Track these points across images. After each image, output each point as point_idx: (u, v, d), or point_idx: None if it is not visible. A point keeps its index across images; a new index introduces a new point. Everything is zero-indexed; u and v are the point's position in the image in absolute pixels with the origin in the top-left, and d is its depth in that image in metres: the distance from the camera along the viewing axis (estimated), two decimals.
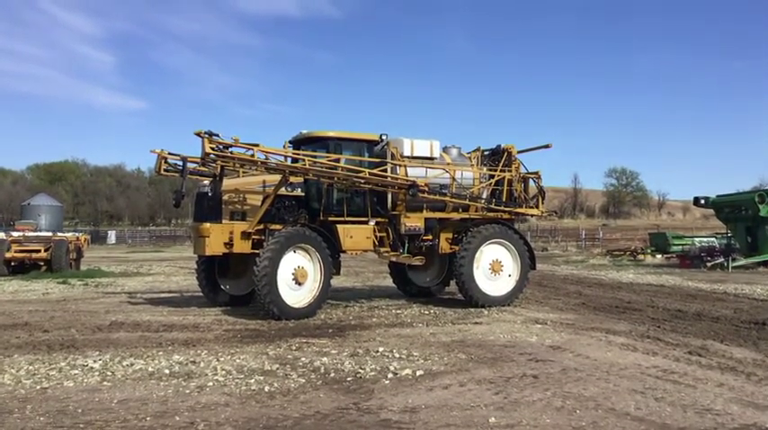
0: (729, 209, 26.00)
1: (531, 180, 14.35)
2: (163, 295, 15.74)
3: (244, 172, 12.74)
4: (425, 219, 13.02)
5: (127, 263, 30.47)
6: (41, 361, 7.75)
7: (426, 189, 12.41)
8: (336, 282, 14.05)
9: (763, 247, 23.95)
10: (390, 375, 7.01)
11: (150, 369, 7.31)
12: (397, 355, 8.04)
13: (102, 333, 9.95)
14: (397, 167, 12.59)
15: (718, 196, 26.55)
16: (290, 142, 12.96)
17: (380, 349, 8.41)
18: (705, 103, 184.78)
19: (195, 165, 12.11)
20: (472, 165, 13.87)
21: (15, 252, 21.72)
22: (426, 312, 12.32)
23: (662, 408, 5.74)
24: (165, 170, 12.90)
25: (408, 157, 12.83)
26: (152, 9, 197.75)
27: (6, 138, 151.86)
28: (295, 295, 11.46)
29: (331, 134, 12.50)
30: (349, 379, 6.89)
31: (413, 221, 12.83)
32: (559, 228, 60.08)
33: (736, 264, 23.76)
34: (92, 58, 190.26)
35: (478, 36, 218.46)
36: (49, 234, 23.79)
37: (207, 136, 10.93)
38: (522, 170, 14.18)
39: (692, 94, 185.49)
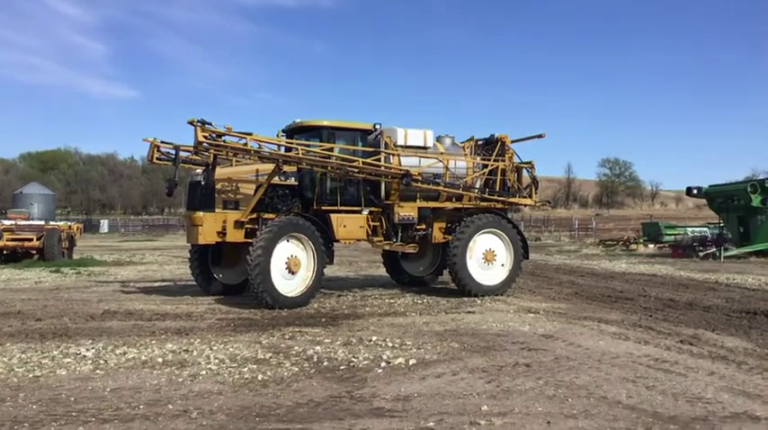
0: (722, 199, 26.11)
1: (524, 170, 14.34)
2: (156, 284, 15.70)
3: (237, 161, 12.69)
4: (419, 208, 13.02)
5: (119, 252, 30.36)
6: (34, 349, 7.73)
7: (420, 178, 12.40)
8: (329, 271, 14.05)
9: (755, 237, 24.07)
10: (383, 364, 7.02)
11: (143, 357, 7.30)
12: (390, 344, 8.06)
13: (94, 322, 9.93)
14: (391, 157, 12.56)
15: (710, 186, 26.64)
16: (283, 131, 12.88)
17: (373, 338, 8.42)
18: (698, 94, 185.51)
19: (188, 153, 12.07)
20: (466, 154, 13.86)
21: (7, 240, 21.62)
22: (419, 301, 12.35)
23: (653, 397, 5.77)
24: (157, 158, 12.91)
25: (402, 147, 12.80)
26: None
27: None
28: (288, 284, 11.45)
29: (324, 123, 12.46)
30: (342, 367, 6.90)
31: (406, 211, 12.82)
32: (552, 218, 60.27)
33: (728, 253, 23.89)
34: (85, 47, 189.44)
35: (473, 26, 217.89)
36: (42, 223, 23.63)
37: (200, 124, 10.85)
38: (516, 160, 14.19)
39: (686, 85, 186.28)
